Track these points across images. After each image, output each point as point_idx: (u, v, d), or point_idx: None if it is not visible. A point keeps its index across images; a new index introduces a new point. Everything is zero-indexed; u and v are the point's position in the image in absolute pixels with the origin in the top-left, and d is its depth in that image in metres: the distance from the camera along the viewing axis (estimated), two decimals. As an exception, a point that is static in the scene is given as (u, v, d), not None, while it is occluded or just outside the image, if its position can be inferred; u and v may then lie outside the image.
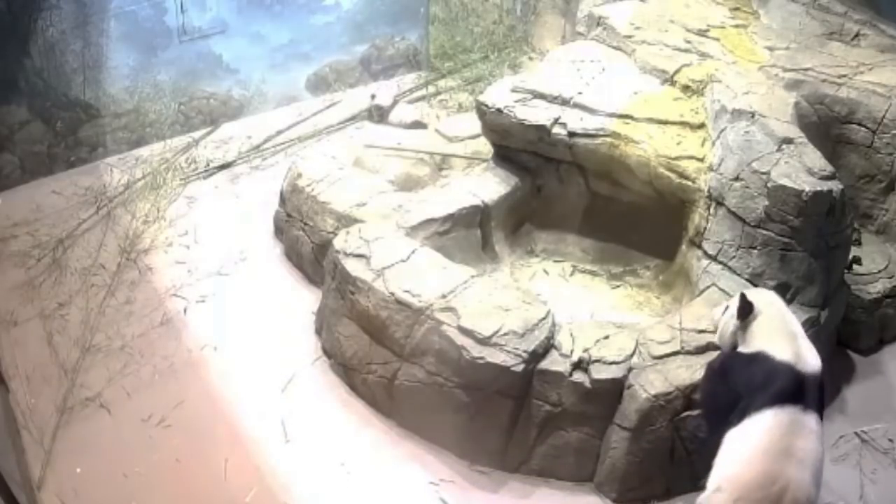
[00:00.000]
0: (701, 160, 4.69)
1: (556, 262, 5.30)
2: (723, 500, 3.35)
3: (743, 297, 3.71)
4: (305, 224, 5.33)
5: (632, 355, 4.05)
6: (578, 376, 4.02)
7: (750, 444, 3.39)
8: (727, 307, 3.85)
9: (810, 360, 3.53)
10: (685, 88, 5.15)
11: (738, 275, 4.40)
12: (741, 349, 3.71)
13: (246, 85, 7.00)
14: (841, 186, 4.29)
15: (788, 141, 4.50)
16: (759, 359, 3.58)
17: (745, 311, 3.70)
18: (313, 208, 5.27)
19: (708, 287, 4.44)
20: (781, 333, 3.63)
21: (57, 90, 6.21)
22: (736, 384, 3.61)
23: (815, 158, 4.38)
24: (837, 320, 4.68)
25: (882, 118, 5.04)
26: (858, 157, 5.18)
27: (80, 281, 5.37)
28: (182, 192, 6.21)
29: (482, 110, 5.26)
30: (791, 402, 3.41)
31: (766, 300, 3.77)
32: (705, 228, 4.57)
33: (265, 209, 5.91)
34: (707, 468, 3.52)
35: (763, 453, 3.35)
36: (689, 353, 4.07)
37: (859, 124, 5.12)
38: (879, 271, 4.95)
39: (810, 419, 3.42)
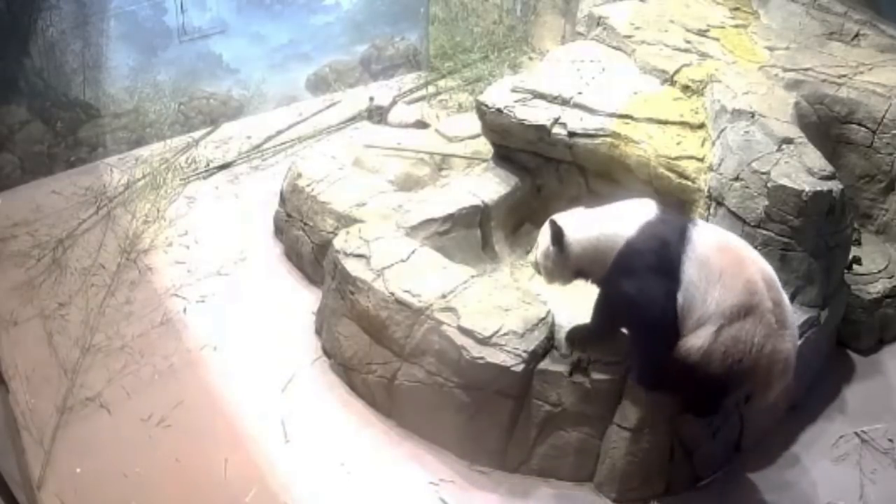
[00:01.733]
0: (701, 160, 4.69)
1: (556, 262, 5.30)
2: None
3: (552, 222, 3.78)
4: (305, 224, 5.33)
5: (632, 355, 4.05)
6: (578, 376, 4.02)
7: (707, 299, 3.52)
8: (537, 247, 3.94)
9: (648, 208, 3.68)
10: (685, 88, 5.14)
11: (738, 275, 4.40)
12: (608, 274, 3.74)
13: (246, 85, 7.00)
14: (841, 186, 4.29)
15: (788, 141, 4.50)
16: (625, 256, 3.65)
17: (558, 235, 3.78)
18: (313, 208, 5.27)
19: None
20: (605, 223, 3.72)
21: (57, 90, 6.21)
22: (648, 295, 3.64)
23: (815, 158, 4.38)
24: (837, 320, 4.68)
25: (882, 118, 5.04)
26: (858, 157, 5.18)
27: (80, 281, 5.37)
28: (182, 192, 6.21)
29: (482, 110, 5.26)
30: (682, 251, 3.54)
31: (566, 217, 3.84)
32: (705, 228, 4.57)
33: (265, 209, 5.91)
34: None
35: (720, 300, 3.51)
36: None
37: (859, 124, 5.12)
38: (879, 271, 4.95)
39: (702, 234, 3.59)
